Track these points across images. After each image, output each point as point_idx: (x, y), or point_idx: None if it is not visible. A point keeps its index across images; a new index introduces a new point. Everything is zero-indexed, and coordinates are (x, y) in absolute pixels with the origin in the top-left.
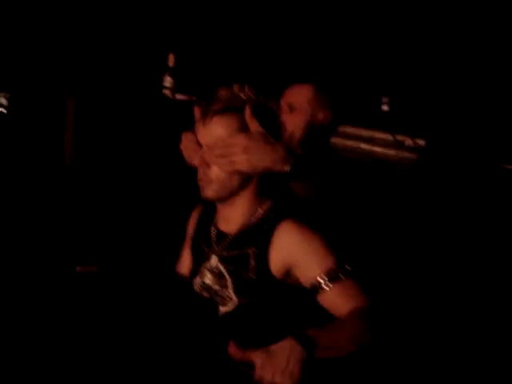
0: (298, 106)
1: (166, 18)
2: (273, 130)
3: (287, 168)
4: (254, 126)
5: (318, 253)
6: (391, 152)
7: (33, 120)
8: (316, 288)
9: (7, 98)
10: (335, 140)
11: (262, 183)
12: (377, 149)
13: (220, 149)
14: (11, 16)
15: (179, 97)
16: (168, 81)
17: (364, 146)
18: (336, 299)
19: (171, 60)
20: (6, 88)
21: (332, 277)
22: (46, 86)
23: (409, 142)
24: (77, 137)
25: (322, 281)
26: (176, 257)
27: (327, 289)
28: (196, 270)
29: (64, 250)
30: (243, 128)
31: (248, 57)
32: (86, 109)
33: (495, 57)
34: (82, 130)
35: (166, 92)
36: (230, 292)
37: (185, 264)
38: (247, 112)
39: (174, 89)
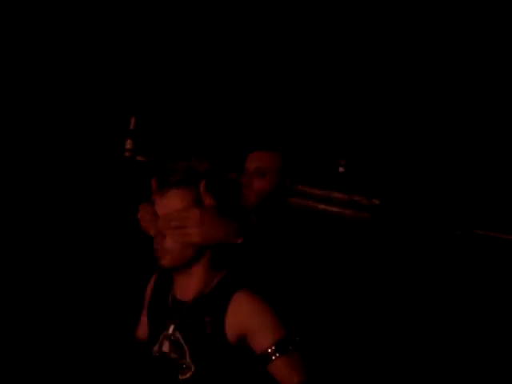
0: (268, 172)
1: (128, 82)
2: (227, 203)
3: (239, 240)
4: (207, 200)
5: (270, 324)
6: (347, 211)
7: None
8: (265, 357)
9: None
10: (294, 199)
11: (216, 254)
12: (334, 208)
13: (175, 221)
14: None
15: (139, 158)
16: (129, 143)
17: (321, 205)
18: (282, 369)
19: (132, 123)
20: None
21: (281, 348)
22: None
23: (364, 201)
24: None
25: (271, 351)
26: (135, 324)
27: (275, 359)
28: (154, 338)
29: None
30: (199, 201)
31: (206, 119)
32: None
33: (448, 123)
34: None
35: (127, 154)
36: (188, 360)
37: (142, 331)
38: (201, 186)
39: (135, 151)
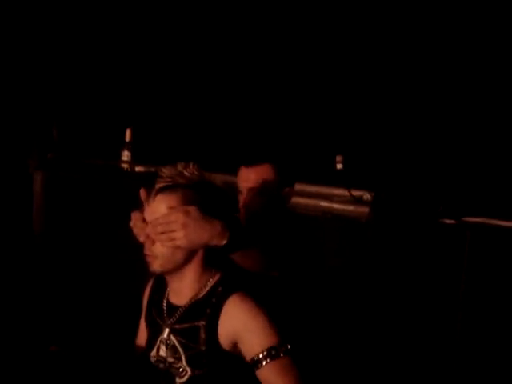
0: (260, 186)
1: (123, 94)
2: (212, 206)
3: (224, 242)
4: (191, 203)
5: (262, 330)
6: (350, 207)
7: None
8: (255, 363)
9: None
10: (296, 199)
11: (208, 256)
12: (336, 205)
13: (161, 226)
14: None
15: (138, 169)
16: (126, 154)
17: (324, 203)
18: (271, 376)
19: (128, 135)
20: None
21: (271, 354)
22: (13, 157)
23: (367, 196)
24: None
25: (261, 357)
26: (135, 330)
27: (265, 365)
28: (151, 342)
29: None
30: (184, 205)
31: (204, 129)
32: (53, 182)
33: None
34: (50, 202)
35: (125, 165)
36: (184, 364)
37: (142, 337)
38: (186, 190)
39: (133, 162)
